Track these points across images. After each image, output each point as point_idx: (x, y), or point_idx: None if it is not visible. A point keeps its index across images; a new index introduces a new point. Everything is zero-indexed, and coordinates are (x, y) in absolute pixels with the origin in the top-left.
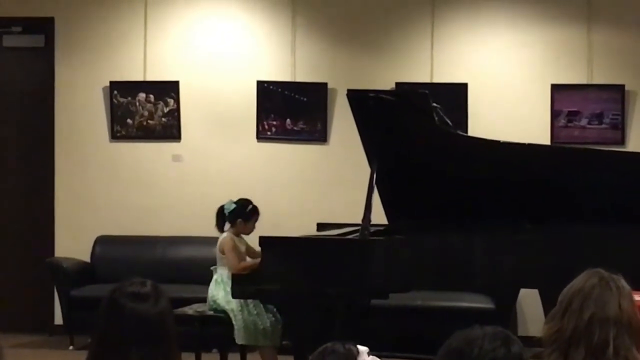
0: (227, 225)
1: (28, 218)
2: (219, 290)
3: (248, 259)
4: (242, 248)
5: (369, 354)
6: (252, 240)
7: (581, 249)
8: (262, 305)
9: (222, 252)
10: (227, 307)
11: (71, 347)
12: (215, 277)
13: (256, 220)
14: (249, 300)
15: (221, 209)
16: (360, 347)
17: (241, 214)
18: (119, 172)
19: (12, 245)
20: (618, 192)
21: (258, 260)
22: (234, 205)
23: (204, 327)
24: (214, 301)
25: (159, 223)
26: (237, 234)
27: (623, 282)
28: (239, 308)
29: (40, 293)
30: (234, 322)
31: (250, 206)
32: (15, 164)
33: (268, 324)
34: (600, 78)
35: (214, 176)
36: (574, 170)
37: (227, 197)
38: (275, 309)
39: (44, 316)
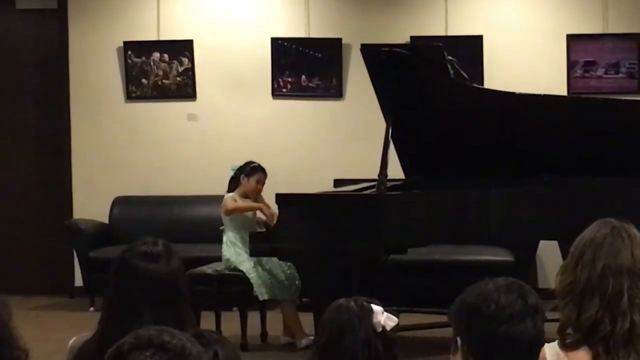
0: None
1: (46, 181)
2: (231, 252)
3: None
4: (249, 214)
5: (383, 312)
6: (269, 196)
7: (600, 199)
8: (274, 260)
9: (226, 213)
10: (240, 267)
11: (92, 309)
12: (224, 238)
13: (260, 180)
14: None
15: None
16: (374, 306)
17: (243, 170)
18: (135, 132)
19: (31, 208)
20: (637, 142)
21: (255, 204)
22: (238, 165)
23: (223, 286)
24: (227, 260)
25: (176, 183)
26: (244, 195)
27: (635, 231)
28: (252, 265)
29: (59, 255)
30: (251, 281)
31: (254, 164)
32: (32, 127)
33: (283, 277)
34: (615, 27)
35: (229, 135)
36: (592, 121)
37: (243, 155)
38: (290, 264)
39: (64, 278)
